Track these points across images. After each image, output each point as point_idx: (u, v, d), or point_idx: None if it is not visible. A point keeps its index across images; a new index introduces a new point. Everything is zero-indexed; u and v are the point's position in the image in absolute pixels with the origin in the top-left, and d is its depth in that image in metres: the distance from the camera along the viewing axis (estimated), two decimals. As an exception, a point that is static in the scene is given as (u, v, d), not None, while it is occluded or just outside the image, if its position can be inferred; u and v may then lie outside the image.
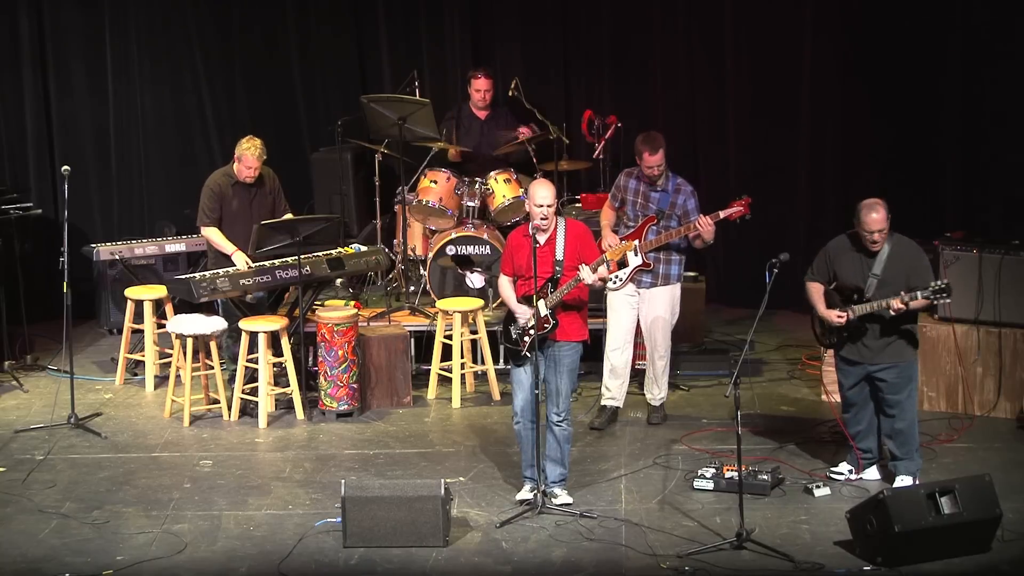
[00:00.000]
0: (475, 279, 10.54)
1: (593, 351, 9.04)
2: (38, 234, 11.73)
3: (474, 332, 10.11)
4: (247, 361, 9.62)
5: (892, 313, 7.98)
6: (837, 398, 8.63)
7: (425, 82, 11.69)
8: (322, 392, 9.72)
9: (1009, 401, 9.45)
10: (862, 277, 8.13)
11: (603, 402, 9.51)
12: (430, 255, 10.67)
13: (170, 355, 10.13)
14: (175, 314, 10.28)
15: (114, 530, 7.99)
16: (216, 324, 9.72)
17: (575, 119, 11.48)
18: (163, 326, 10.30)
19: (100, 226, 12.24)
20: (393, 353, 9.92)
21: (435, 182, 10.79)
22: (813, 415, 9.61)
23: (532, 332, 8.00)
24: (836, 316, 8.19)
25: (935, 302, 7.93)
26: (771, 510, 8.08)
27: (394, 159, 11.00)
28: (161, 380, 10.39)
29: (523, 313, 8.06)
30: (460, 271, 10.60)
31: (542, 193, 8.02)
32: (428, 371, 10.17)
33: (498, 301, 10.34)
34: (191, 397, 9.65)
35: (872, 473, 8.45)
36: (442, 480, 7.72)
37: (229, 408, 9.73)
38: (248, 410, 9.75)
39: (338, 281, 10.82)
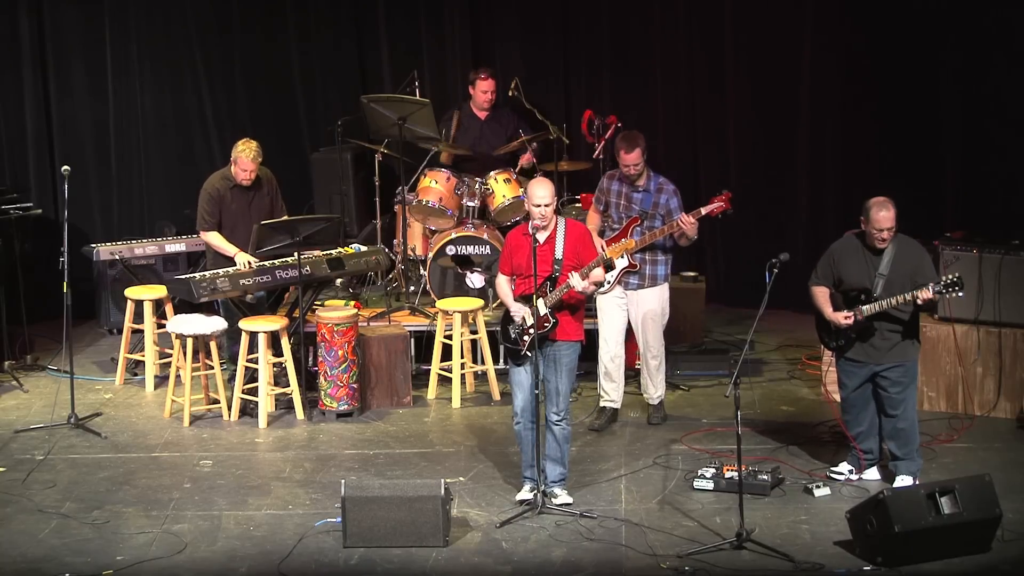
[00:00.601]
0: (475, 279, 10.54)
1: (589, 352, 9.04)
2: (38, 234, 11.73)
3: (474, 332, 10.11)
4: (247, 361, 9.62)
5: (920, 302, 7.97)
6: (838, 398, 8.63)
7: (425, 82, 11.69)
8: (322, 392, 9.72)
9: (1009, 401, 9.45)
10: (868, 277, 8.13)
11: (602, 404, 9.51)
12: (430, 255, 10.67)
13: (170, 355, 10.13)
14: (175, 314, 10.28)
15: (114, 530, 7.99)
16: (216, 324, 9.72)
17: (575, 119, 11.48)
18: (163, 326, 10.30)
19: (100, 226, 12.24)
20: (393, 353, 9.92)
21: (435, 182, 10.79)
22: (813, 415, 9.61)
23: (532, 331, 8.00)
24: (843, 318, 8.18)
25: (947, 294, 7.92)
26: (771, 510, 8.09)
27: (394, 159, 11.00)
28: (161, 380, 10.39)
29: (517, 310, 8.06)
30: (460, 271, 10.60)
31: (540, 192, 8.02)
32: (428, 371, 10.17)
33: (498, 301, 10.33)
34: (191, 397, 9.65)
35: (872, 473, 8.45)
36: (442, 480, 7.72)
37: (229, 408, 9.73)
38: (248, 410, 9.76)
39: (338, 281, 10.82)
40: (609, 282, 9.22)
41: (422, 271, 10.92)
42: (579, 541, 7.73)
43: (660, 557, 7.51)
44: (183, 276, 9.94)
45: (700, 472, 8.42)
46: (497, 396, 10.06)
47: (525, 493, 8.23)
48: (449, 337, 9.99)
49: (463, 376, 10.09)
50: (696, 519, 7.98)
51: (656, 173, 9.31)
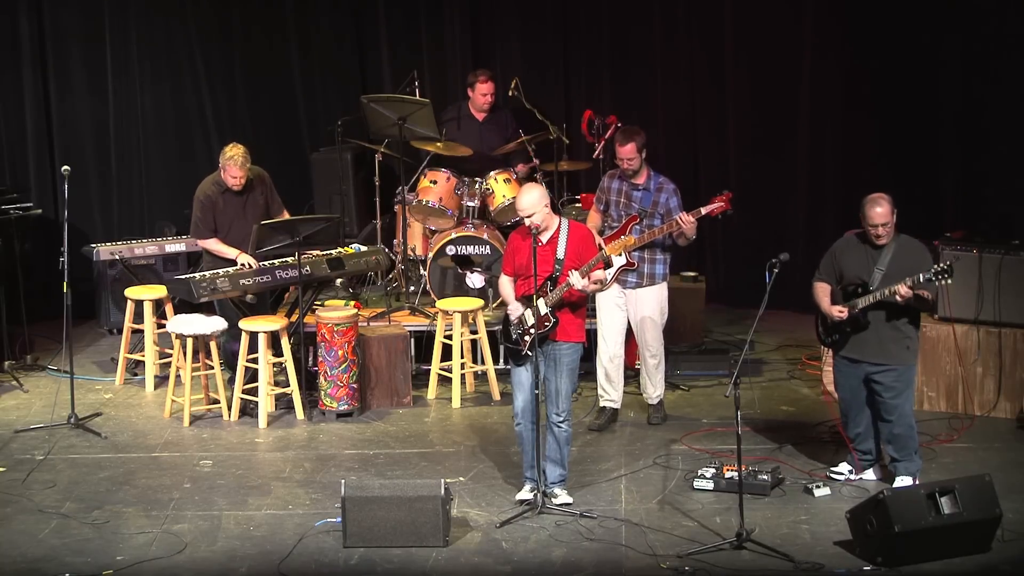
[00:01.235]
0: (475, 279, 10.54)
1: (590, 352, 9.03)
2: (38, 234, 11.74)
3: (474, 332, 10.11)
4: (247, 361, 9.62)
5: (899, 300, 7.96)
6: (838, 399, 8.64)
7: (425, 82, 11.69)
8: (322, 392, 9.72)
9: (1009, 401, 9.45)
10: (867, 271, 8.14)
11: (602, 404, 9.51)
12: (430, 255, 10.67)
13: (170, 355, 10.13)
14: (175, 314, 10.28)
15: (114, 530, 7.99)
16: (216, 324, 9.72)
17: (575, 119, 11.48)
18: (163, 326, 10.31)
19: (100, 226, 12.25)
20: (393, 353, 9.92)
21: (435, 182, 10.80)
22: (813, 415, 9.61)
23: (532, 331, 8.00)
24: (837, 311, 8.20)
25: (939, 282, 7.89)
26: (771, 510, 8.09)
27: (394, 159, 11.00)
28: (161, 380, 10.39)
29: (515, 310, 8.05)
30: (460, 271, 10.60)
31: (523, 204, 7.94)
32: (428, 371, 10.17)
33: (498, 301, 10.34)
34: (191, 397, 9.65)
35: (872, 473, 8.45)
36: (442, 480, 7.72)
37: (229, 408, 9.73)
38: (248, 410, 9.76)
39: (338, 281, 10.82)
40: (605, 280, 9.21)
41: (422, 271, 10.92)
42: (579, 541, 7.73)
43: (660, 557, 7.51)
44: (183, 276, 9.93)
45: (700, 472, 8.41)
46: (497, 396, 10.06)
47: (525, 493, 8.22)
48: (449, 337, 9.99)
49: (463, 376, 10.09)
50: (696, 519, 7.98)
51: (657, 172, 9.31)
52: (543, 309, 8.00)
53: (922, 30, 11.04)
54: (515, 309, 8.08)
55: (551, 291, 8.00)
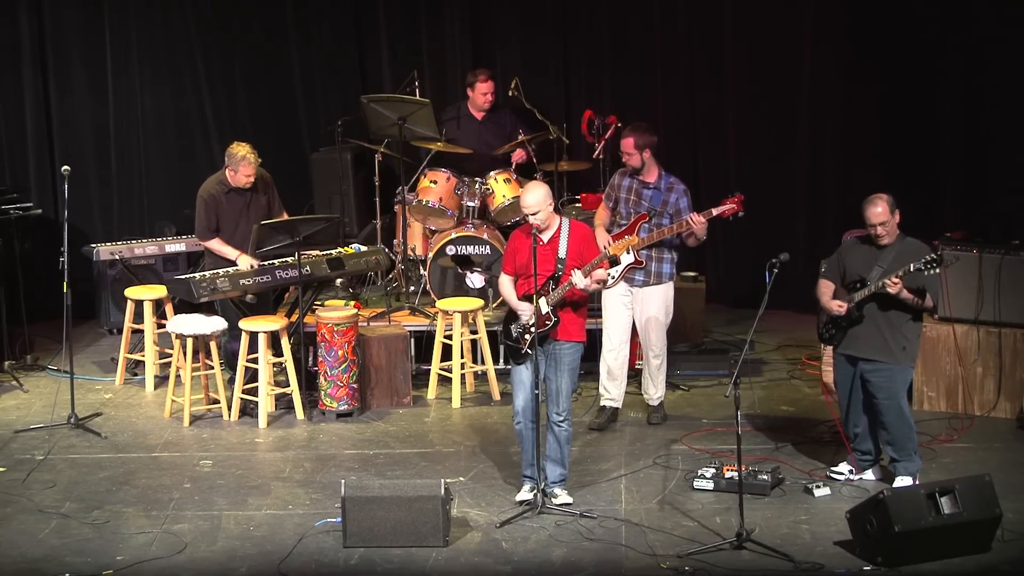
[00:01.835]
0: (475, 279, 10.54)
1: (590, 351, 9.03)
2: (38, 234, 11.74)
3: (474, 332, 10.11)
4: (247, 361, 9.62)
5: (891, 291, 7.96)
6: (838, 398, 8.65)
7: (425, 82, 11.69)
8: (322, 392, 9.72)
9: (1009, 401, 9.45)
10: (868, 267, 8.15)
11: (602, 403, 9.51)
12: (430, 255, 10.67)
13: (170, 355, 10.13)
14: (175, 314, 10.28)
15: (114, 530, 7.99)
16: (216, 324, 9.72)
17: (575, 119, 11.48)
18: (163, 326, 10.30)
19: (100, 226, 12.24)
20: (393, 353, 9.92)
21: (435, 182, 10.80)
22: (813, 415, 9.61)
23: (533, 330, 8.00)
24: (837, 306, 8.22)
25: (929, 271, 7.88)
26: (771, 510, 8.09)
27: (394, 159, 11.00)
28: (161, 380, 10.39)
29: (525, 310, 8.05)
30: (460, 271, 10.60)
31: (528, 201, 7.97)
32: (428, 371, 10.17)
33: (498, 301, 10.34)
34: (191, 397, 9.65)
35: (872, 473, 8.45)
36: (442, 480, 7.72)
37: (229, 408, 9.73)
38: (248, 410, 9.76)
39: (338, 281, 10.82)
40: (614, 277, 9.23)
41: (422, 271, 10.92)
42: (579, 541, 7.73)
43: (660, 557, 7.51)
44: (183, 276, 9.93)
45: (700, 472, 8.41)
46: (497, 396, 10.06)
47: (525, 493, 8.22)
48: (449, 337, 9.99)
49: (463, 376, 10.09)
50: (696, 519, 7.98)
51: (668, 172, 9.33)
52: (544, 308, 8.00)
53: (922, 30, 11.03)
54: (525, 309, 8.07)
55: (553, 290, 8.00)
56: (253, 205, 9.92)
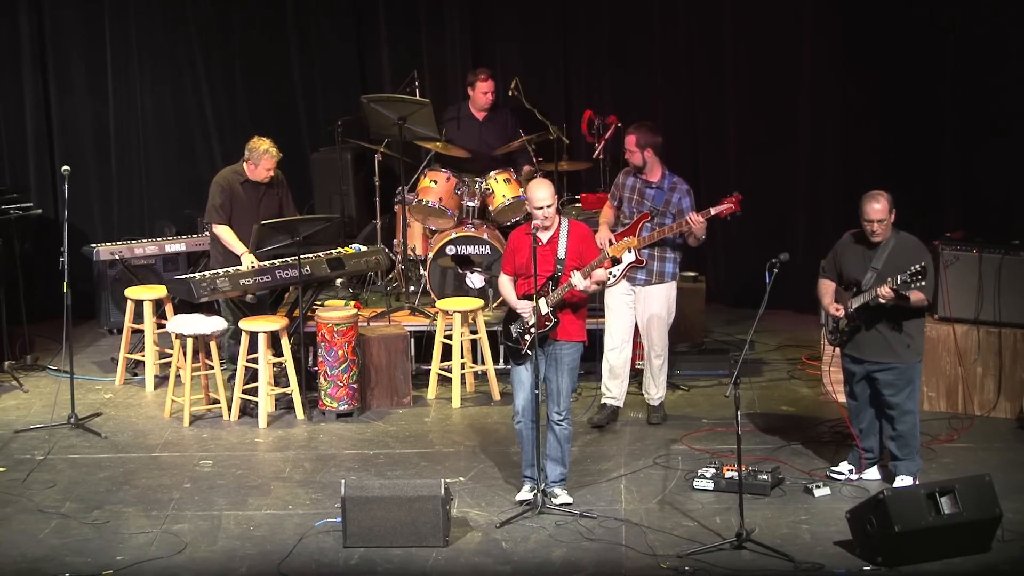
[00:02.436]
0: (475, 279, 10.54)
1: (591, 351, 9.04)
2: (38, 234, 11.73)
3: (474, 332, 10.11)
4: (247, 361, 9.62)
5: (882, 301, 7.97)
6: (840, 398, 8.64)
7: (425, 82, 11.69)
8: (322, 392, 9.72)
9: (1009, 401, 9.45)
10: (863, 270, 8.15)
11: (603, 400, 9.51)
12: (430, 255, 10.67)
13: (170, 355, 10.13)
14: (175, 314, 10.28)
15: (114, 530, 7.99)
16: (216, 324, 9.72)
17: (575, 119, 11.48)
18: (163, 326, 10.31)
19: (100, 226, 12.24)
20: (393, 353, 9.92)
21: (435, 182, 10.79)
22: (813, 415, 9.61)
23: (533, 331, 8.00)
24: (835, 308, 8.22)
25: (913, 285, 7.89)
26: (771, 510, 8.09)
27: (394, 159, 11.00)
28: (161, 380, 10.39)
29: (524, 309, 8.06)
30: (460, 271, 10.60)
31: (540, 194, 8.02)
32: (428, 371, 10.17)
33: (498, 301, 10.34)
34: (191, 397, 9.65)
35: (872, 473, 8.45)
36: (442, 480, 7.72)
37: (229, 408, 9.73)
38: (248, 410, 9.76)
39: (338, 281, 10.82)
40: (615, 276, 9.23)
41: (422, 271, 10.92)
42: (579, 541, 7.73)
43: (660, 557, 7.51)
44: (183, 276, 9.93)
45: (700, 472, 8.41)
46: (497, 396, 10.06)
47: (525, 493, 8.22)
48: (449, 337, 9.99)
49: (463, 376, 10.09)
50: (696, 519, 7.98)
51: (671, 172, 9.33)
52: (544, 309, 8.01)
53: (922, 29, 11.03)
54: (525, 308, 8.07)
55: (553, 291, 8.01)
56: (266, 200, 9.93)
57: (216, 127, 12.18)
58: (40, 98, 12.03)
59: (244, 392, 9.69)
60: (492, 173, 10.79)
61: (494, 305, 10.49)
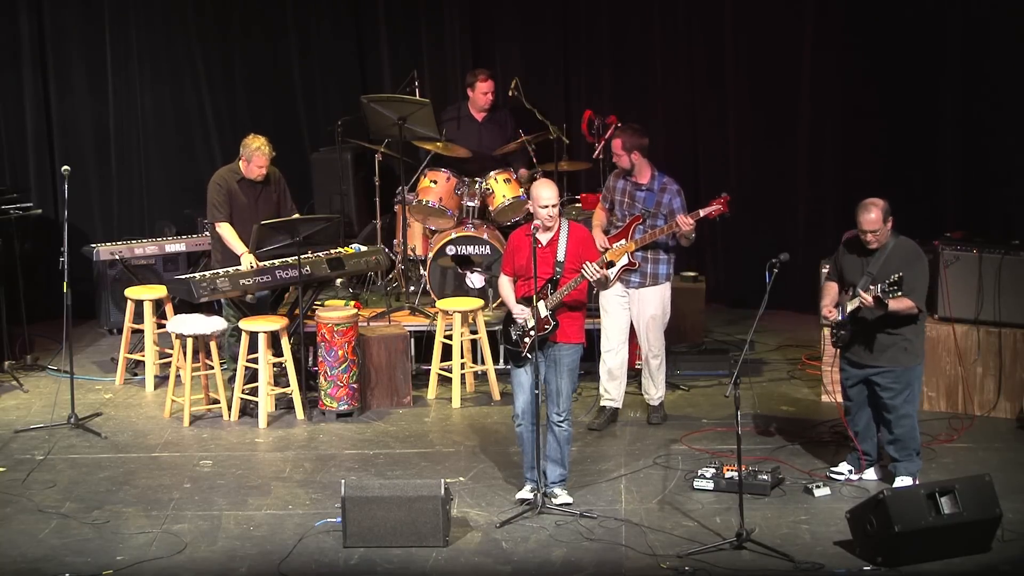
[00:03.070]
0: (475, 279, 10.54)
1: (590, 352, 9.04)
2: (38, 234, 11.73)
3: (474, 332, 10.12)
4: (247, 361, 9.62)
5: (865, 305, 7.97)
6: (840, 398, 8.64)
7: (425, 82, 11.69)
8: (322, 392, 9.72)
9: (1009, 401, 9.45)
10: (859, 273, 8.15)
11: (602, 403, 9.51)
12: (430, 255, 10.67)
13: (170, 355, 10.13)
14: (175, 314, 10.28)
15: (114, 530, 7.99)
16: (216, 324, 9.72)
17: (575, 119, 11.48)
18: (163, 326, 10.31)
19: (100, 226, 12.24)
20: (393, 353, 9.92)
21: (435, 182, 10.80)
22: (813, 415, 9.62)
23: (532, 333, 8.00)
24: (827, 311, 8.24)
25: (887, 297, 7.88)
26: (771, 510, 8.09)
27: (394, 159, 11.00)
28: (161, 380, 10.39)
29: (520, 312, 8.06)
30: (460, 271, 10.60)
31: (546, 193, 8.02)
32: (428, 371, 10.17)
33: (498, 301, 10.34)
34: (191, 397, 9.66)
35: (872, 473, 8.45)
36: (442, 480, 7.72)
37: (229, 408, 9.73)
38: (248, 410, 9.76)
39: (338, 281, 10.82)
40: (609, 278, 9.23)
41: (422, 271, 10.92)
42: (579, 541, 7.73)
43: (660, 557, 7.52)
44: (183, 276, 9.93)
45: (700, 472, 8.42)
46: (497, 396, 10.06)
47: (525, 493, 8.23)
48: (449, 337, 9.99)
49: (463, 376, 10.10)
50: (696, 519, 7.98)
51: (661, 173, 9.33)
52: (543, 311, 8.00)
53: (923, 29, 11.03)
54: (520, 311, 8.06)
55: (551, 294, 8.00)
56: (263, 199, 9.92)
57: (216, 127, 12.18)
58: (40, 98, 12.03)
59: (244, 392, 9.69)
60: (492, 173, 10.79)
61: (494, 305, 10.49)
